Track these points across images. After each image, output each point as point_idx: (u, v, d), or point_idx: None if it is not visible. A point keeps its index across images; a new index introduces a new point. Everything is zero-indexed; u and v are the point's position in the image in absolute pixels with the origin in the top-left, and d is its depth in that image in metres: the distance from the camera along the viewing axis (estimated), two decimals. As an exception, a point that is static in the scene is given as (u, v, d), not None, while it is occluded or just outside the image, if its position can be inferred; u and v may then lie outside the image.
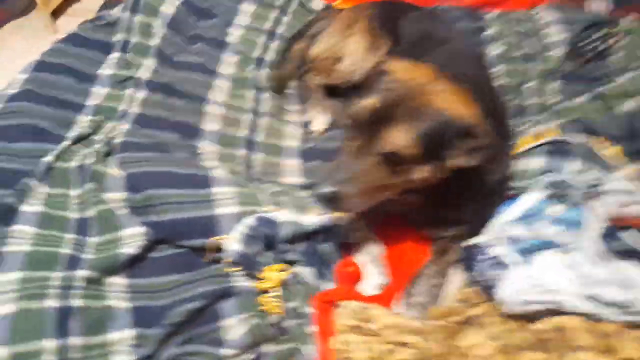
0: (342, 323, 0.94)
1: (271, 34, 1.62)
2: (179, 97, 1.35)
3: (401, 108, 0.88)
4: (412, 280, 1.10)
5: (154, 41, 1.45)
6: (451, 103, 0.89)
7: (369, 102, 0.91)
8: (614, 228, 1.03)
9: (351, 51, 1.38)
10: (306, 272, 1.04)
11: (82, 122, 1.24)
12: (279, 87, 1.49)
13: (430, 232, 1.16)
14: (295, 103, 1.49)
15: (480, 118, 0.90)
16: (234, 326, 0.95)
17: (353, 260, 1.08)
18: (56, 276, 0.89)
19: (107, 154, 1.17)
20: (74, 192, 1.08)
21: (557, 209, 1.07)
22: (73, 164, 1.12)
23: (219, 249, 1.07)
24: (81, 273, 0.92)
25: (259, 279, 1.04)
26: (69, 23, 1.63)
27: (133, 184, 1.10)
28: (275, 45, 1.58)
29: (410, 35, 1.34)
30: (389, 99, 0.89)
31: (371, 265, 1.09)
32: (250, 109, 1.40)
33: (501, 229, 1.09)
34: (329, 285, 1.05)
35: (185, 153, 1.24)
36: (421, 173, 0.94)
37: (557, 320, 0.91)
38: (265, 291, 1.03)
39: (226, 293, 1.02)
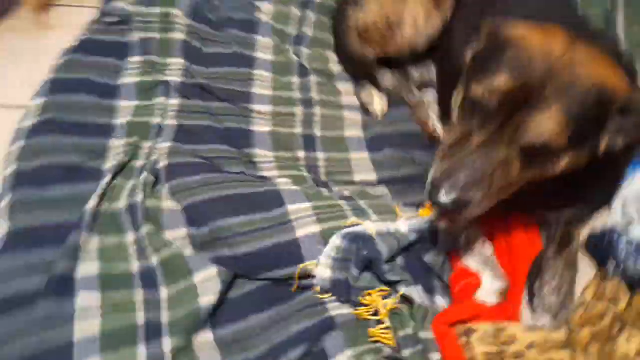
0: (482, 352, 0.79)
1: (305, 3, 1.40)
2: (218, 99, 1.16)
3: (547, 87, 0.69)
4: (533, 278, 0.94)
5: (178, 35, 1.24)
6: (601, 73, 0.70)
7: (501, 81, 0.71)
8: None
9: (411, 14, 1.15)
10: (415, 292, 0.89)
11: (117, 149, 1.07)
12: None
13: (542, 216, 0.99)
14: (346, 82, 1.30)
15: (633, 85, 0.71)
16: (346, 366, 0.82)
17: (468, 268, 0.92)
18: (142, 355, 0.75)
19: (155, 183, 1.01)
20: (130, 238, 0.92)
21: None
22: (121, 204, 0.95)
23: (308, 276, 0.93)
24: (167, 346, 0.77)
25: (359, 305, 0.90)
26: (61, 15, 1.41)
27: (193, 217, 0.94)
28: (312, 16, 1.36)
29: None
30: (529, 77, 0.69)
31: (486, 269, 0.93)
32: (301, 99, 1.21)
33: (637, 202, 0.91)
34: (444, 303, 0.91)
35: (240, 167, 1.07)
36: (565, 162, 0.75)
37: None
38: (367, 320, 0.89)
39: (327, 326, 0.88)
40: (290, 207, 0.96)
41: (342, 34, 1.27)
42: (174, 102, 1.15)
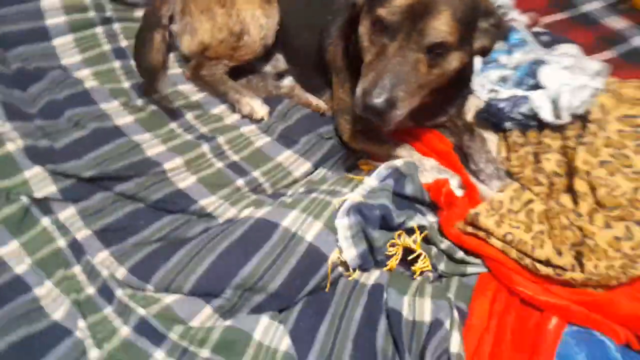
0: (492, 223, 0.99)
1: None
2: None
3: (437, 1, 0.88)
4: (466, 164, 1.19)
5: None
6: None
7: (401, 2, 0.89)
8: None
9: (251, 17, 1.22)
10: (419, 220, 1.03)
11: None
12: (150, 84, 1.22)
13: (433, 122, 1.24)
14: (216, 106, 1.29)
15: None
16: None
17: (437, 180, 1.09)
18: None
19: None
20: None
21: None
22: None
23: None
24: None
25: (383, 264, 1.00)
26: None
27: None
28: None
29: None
30: None
31: (440, 174, 1.13)
32: (200, 136, 1.17)
33: (486, 81, 1.23)
34: (433, 216, 1.07)
35: (201, 225, 1.01)
36: (456, 60, 0.97)
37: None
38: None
39: (379, 292, 0.96)
40: (286, 224, 0.97)
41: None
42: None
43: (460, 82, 1.15)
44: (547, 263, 0.96)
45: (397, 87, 0.91)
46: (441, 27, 0.90)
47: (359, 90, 0.96)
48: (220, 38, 1.23)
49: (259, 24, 1.23)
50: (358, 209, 0.99)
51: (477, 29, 0.97)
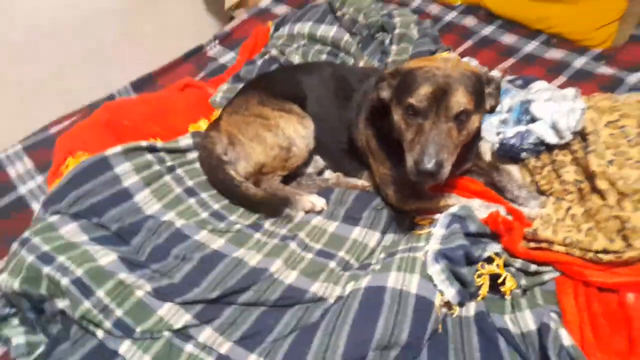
0: (549, 235, 1.20)
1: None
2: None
3: (450, 82, 1.15)
4: (503, 196, 1.42)
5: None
6: (469, 68, 1.23)
7: (426, 89, 1.15)
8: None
9: (293, 130, 1.47)
10: (490, 250, 1.24)
11: None
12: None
13: (461, 170, 1.48)
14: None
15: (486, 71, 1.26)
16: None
17: (491, 214, 1.30)
18: None
19: None
20: None
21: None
22: None
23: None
24: None
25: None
26: None
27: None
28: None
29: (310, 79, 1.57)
30: (438, 80, 1.16)
31: (489, 208, 1.35)
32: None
33: (491, 127, 1.51)
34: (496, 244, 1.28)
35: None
36: (477, 121, 1.24)
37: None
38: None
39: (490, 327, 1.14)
40: (391, 285, 1.15)
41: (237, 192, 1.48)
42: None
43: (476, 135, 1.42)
44: (605, 252, 1.17)
45: (441, 151, 1.15)
46: (460, 99, 1.16)
47: (410, 161, 1.19)
48: (273, 155, 1.47)
49: (301, 135, 1.49)
50: (443, 254, 1.19)
51: (485, 94, 1.25)
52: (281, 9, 2.49)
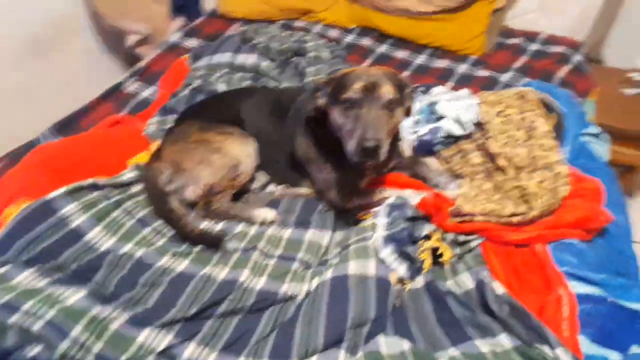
0: (470, 208, 1.45)
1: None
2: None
3: (380, 78, 1.38)
4: (428, 182, 1.66)
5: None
6: (391, 71, 1.47)
7: (359, 84, 1.36)
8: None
9: (239, 152, 1.58)
10: (426, 229, 1.45)
11: None
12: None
13: (388, 168, 1.70)
14: (234, 223, 1.59)
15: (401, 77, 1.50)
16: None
17: (422, 199, 1.52)
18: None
19: None
20: None
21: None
22: None
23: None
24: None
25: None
26: None
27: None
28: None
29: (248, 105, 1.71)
30: (368, 77, 1.38)
31: (419, 195, 1.57)
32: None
33: (406, 127, 1.76)
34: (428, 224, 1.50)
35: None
36: (401, 114, 1.47)
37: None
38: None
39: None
40: (351, 272, 1.30)
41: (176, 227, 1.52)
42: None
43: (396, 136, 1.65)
44: (514, 215, 1.44)
45: (379, 132, 1.34)
46: (389, 90, 1.38)
47: (352, 144, 1.36)
48: (221, 175, 1.56)
49: (246, 154, 1.60)
50: (391, 238, 1.37)
51: (404, 93, 1.47)
52: (192, 42, 2.58)
